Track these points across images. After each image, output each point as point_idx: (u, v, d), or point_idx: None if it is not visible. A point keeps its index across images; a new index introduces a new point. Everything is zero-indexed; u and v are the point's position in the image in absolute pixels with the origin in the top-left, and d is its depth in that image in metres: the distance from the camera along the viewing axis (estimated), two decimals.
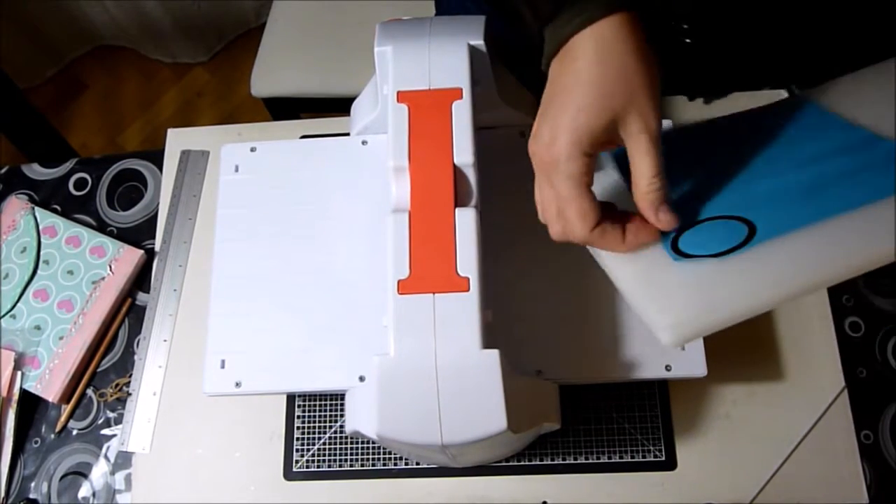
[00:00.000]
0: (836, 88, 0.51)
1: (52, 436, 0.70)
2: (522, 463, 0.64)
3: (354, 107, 0.63)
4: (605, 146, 0.41)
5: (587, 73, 0.39)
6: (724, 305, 0.40)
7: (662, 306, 0.41)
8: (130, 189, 0.79)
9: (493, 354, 0.45)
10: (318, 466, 0.66)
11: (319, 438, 0.67)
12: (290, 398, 0.68)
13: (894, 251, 0.40)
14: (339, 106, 1.10)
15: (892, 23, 0.62)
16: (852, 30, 0.63)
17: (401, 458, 0.65)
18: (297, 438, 0.67)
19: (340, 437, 0.66)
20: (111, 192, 0.79)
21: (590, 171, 0.40)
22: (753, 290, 0.40)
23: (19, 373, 0.70)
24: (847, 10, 0.62)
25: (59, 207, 0.79)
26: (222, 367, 0.56)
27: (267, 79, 1.15)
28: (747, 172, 0.45)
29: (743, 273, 0.41)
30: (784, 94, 0.70)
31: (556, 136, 0.39)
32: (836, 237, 0.41)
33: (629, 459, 0.64)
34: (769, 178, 0.45)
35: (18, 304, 0.73)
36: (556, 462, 0.64)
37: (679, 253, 0.41)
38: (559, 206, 0.41)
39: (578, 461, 0.64)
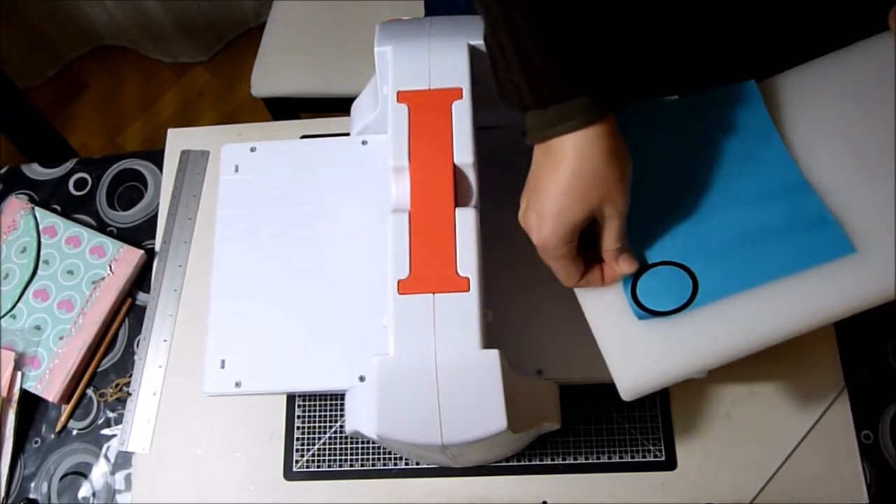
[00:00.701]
0: (784, 87, 0.53)
1: (52, 436, 0.70)
2: (522, 463, 0.64)
3: (354, 107, 0.63)
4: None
5: (568, 180, 0.44)
6: (674, 370, 0.47)
7: (623, 368, 0.48)
8: (130, 189, 0.79)
9: (493, 354, 0.45)
10: (318, 466, 0.66)
11: (319, 438, 0.67)
12: (290, 398, 0.68)
13: (835, 313, 0.47)
14: (339, 106, 1.10)
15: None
16: (845, 34, 0.63)
17: (401, 458, 0.65)
18: (297, 438, 0.67)
19: (340, 437, 0.66)
20: (111, 192, 0.79)
21: (574, 245, 0.47)
22: (701, 353, 0.47)
23: (19, 373, 0.70)
24: (842, 13, 0.62)
25: (59, 207, 0.79)
26: (222, 367, 0.56)
27: (267, 79, 1.14)
28: (691, 199, 0.50)
29: (691, 337, 0.48)
30: None
31: (542, 227, 0.46)
32: (781, 302, 0.47)
33: (629, 459, 0.64)
34: (710, 218, 0.50)
35: (18, 304, 0.73)
36: (556, 462, 0.64)
37: (639, 305, 0.48)
38: (552, 268, 0.48)
39: (578, 461, 0.64)
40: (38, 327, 0.72)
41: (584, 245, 0.47)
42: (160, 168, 0.79)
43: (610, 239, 0.47)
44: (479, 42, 0.52)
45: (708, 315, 0.48)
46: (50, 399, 0.70)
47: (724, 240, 0.49)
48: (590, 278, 0.49)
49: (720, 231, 0.49)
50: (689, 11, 0.63)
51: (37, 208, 0.77)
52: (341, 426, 0.67)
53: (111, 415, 0.70)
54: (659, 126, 0.53)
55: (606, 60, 0.45)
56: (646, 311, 0.48)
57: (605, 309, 0.50)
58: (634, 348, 0.48)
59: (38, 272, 0.74)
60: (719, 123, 0.52)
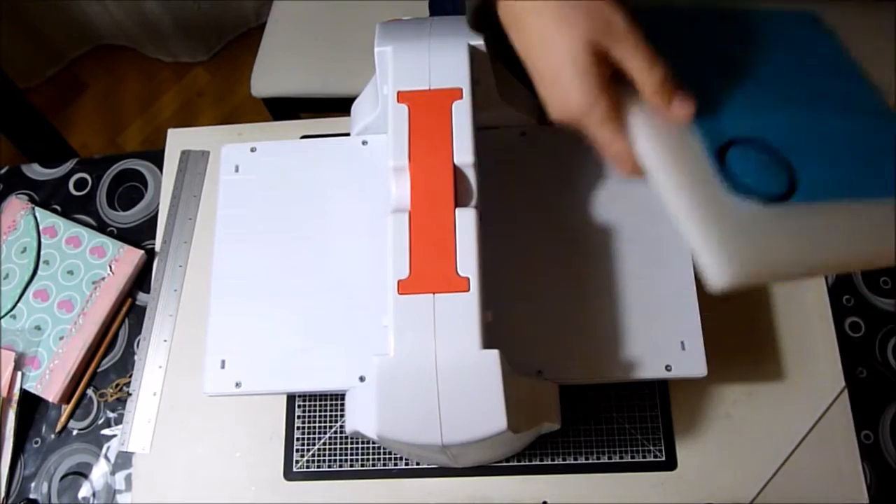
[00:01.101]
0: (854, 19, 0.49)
1: (53, 436, 0.70)
2: (522, 463, 0.64)
3: (354, 107, 0.63)
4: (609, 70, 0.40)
5: (541, 24, 0.38)
6: (778, 259, 0.39)
7: (720, 242, 0.38)
8: (130, 189, 0.79)
9: (494, 354, 0.45)
10: (318, 466, 0.66)
11: (319, 438, 0.67)
12: (290, 398, 0.68)
13: None
14: (339, 106, 1.10)
15: None
16: None
17: (401, 459, 0.65)
18: (297, 438, 0.67)
19: (340, 437, 0.66)
20: (111, 192, 0.79)
21: (611, 97, 0.39)
22: (811, 253, 0.40)
23: (19, 373, 0.70)
24: None
25: (59, 207, 0.79)
26: (222, 367, 0.56)
27: (267, 79, 1.15)
28: (776, 88, 0.44)
29: (801, 232, 0.40)
30: None
31: (565, 86, 0.39)
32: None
33: (629, 459, 0.64)
34: (805, 116, 0.44)
35: (18, 305, 0.73)
36: (556, 462, 0.64)
37: (731, 179, 0.40)
38: (606, 153, 0.41)
39: (578, 461, 0.64)
40: (38, 327, 0.72)
41: None
42: (160, 168, 0.79)
43: (639, 66, 0.38)
44: (479, 42, 0.52)
45: (816, 212, 0.41)
46: (50, 399, 0.70)
47: (825, 142, 0.43)
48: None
49: (819, 132, 0.43)
50: None
51: (37, 208, 0.77)
52: (341, 426, 0.67)
53: (111, 415, 0.70)
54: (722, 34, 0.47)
55: None
56: (739, 188, 0.40)
57: (691, 175, 0.40)
58: (737, 227, 0.39)
59: (39, 272, 0.74)
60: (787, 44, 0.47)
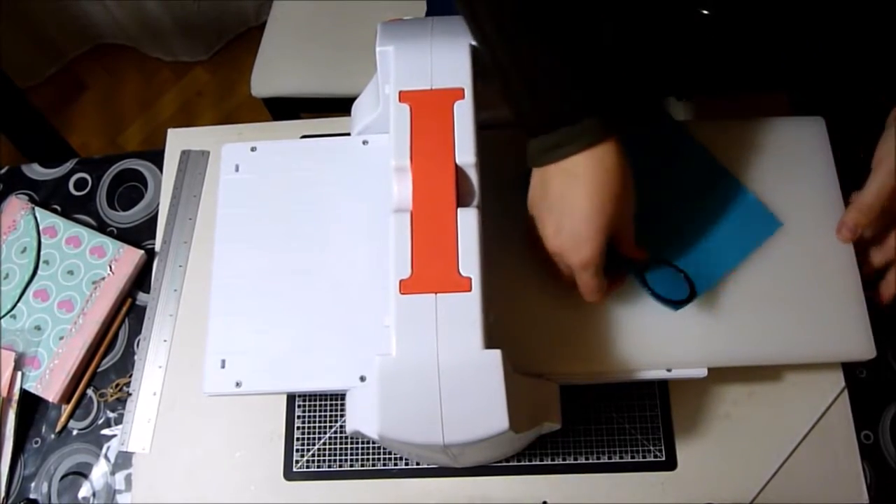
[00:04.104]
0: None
1: (53, 436, 0.70)
2: (522, 463, 0.65)
3: (355, 106, 0.63)
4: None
5: (598, 196, 0.47)
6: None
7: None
8: (130, 189, 0.79)
9: (495, 354, 0.45)
10: (318, 466, 0.66)
11: (319, 438, 0.67)
12: (290, 398, 0.68)
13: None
14: (340, 106, 1.10)
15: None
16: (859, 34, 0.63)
17: (401, 458, 0.65)
18: (297, 438, 0.67)
19: (340, 437, 0.66)
20: (111, 192, 0.79)
21: (602, 264, 0.50)
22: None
23: (19, 373, 0.70)
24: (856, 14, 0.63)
25: (59, 207, 0.79)
26: (222, 367, 0.56)
27: (267, 79, 1.14)
28: (673, 215, 0.59)
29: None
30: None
31: (581, 248, 0.49)
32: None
33: (629, 459, 0.64)
34: (688, 232, 0.59)
35: (18, 305, 0.73)
36: (556, 462, 0.64)
37: (658, 296, 0.55)
38: (583, 289, 0.52)
39: (578, 461, 0.64)
40: (38, 327, 0.72)
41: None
42: (160, 168, 0.79)
43: (629, 248, 0.53)
44: None
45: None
46: (50, 399, 0.70)
47: (687, 240, 0.58)
48: (611, 287, 0.54)
49: (695, 233, 0.58)
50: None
51: (37, 208, 0.77)
52: (341, 426, 0.67)
53: (111, 415, 0.70)
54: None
55: (613, 81, 0.47)
56: (660, 298, 0.54)
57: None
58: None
59: (39, 272, 0.74)
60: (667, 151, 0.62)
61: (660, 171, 0.61)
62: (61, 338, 0.71)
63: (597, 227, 0.48)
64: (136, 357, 0.71)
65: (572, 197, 0.48)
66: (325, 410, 0.67)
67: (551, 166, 0.49)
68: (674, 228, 0.58)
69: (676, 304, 0.54)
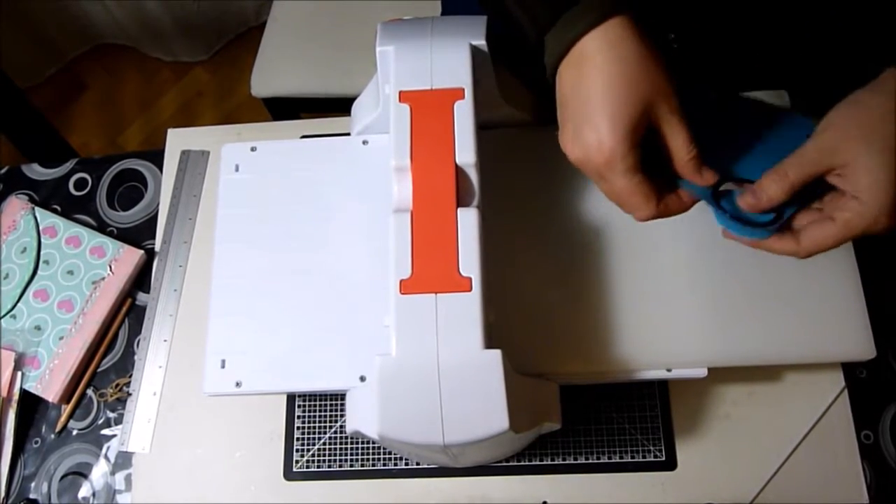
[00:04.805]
0: None
1: (53, 436, 0.70)
2: (522, 463, 0.65)
3: (355, 106, 0.63)
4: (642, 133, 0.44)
5: (610, 72, 0.42)
6: None
7: None
8: (130, 189, 0.79)
9: (496, 354, 0.45)
10: (318, 466, 0.66)
11: (319, 438, 0.67)
12: (290, 398, 0.68)
13: None
14: (340, 106, 1.10)
15: (880, 25, 0.62)
16: (842, 32, 0.63)
17: (401, 458, 0.65)
18: (297, 438, 0.67)
19: (340, 437, 0.66)
20: (111, 192, 0.79)
21: (639, 155, 0.44)
22: None
23: (19, 373, 0.70)
24: (831, 14, 0.63)
25: (59, 207, 0.79)
26: (222, 367, 0.56)
27: (267, 79, 1.15)
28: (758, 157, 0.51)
29: None
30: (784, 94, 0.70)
31: (602, 139, 0.43)
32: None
33: (629, 459, 0.64)
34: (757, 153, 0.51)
35: (18, 305, 0.73)
36: (556, 462, 0.64)
37: (736, 217, 0.48)
38: (622, 199, 0.46)
39: (578, 461, 0.64)
40: (38, 327, 0.72)
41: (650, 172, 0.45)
42: (160, 168, 0.79)
43: (679, 142, 0.45)
44: (481, 42, 0.52)
45: None
46: (50, 399, 0.70)
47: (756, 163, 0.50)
48: (669, 203, 0.47)
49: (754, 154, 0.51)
50: (682, 23, 0.63)
51: (37, 208, 0.77)
52: (341, 426, 0.67)
53: (111, 415, 0.70)
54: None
55: None
56: (744, 223, 0.48)
57: None
58: None
59: (39, 272, 0.74)
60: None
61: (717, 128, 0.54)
62: (61, 338, 0.71)
63: (611, 114, 0.42)
64: (136, 357, 0.71)
65: (582, 86, 0.43)
66: (325, 410, 0.67)
67: (562, 66, 0.44)
68: (742, 156, 0.52)
69: (765, 227, 0.47)
